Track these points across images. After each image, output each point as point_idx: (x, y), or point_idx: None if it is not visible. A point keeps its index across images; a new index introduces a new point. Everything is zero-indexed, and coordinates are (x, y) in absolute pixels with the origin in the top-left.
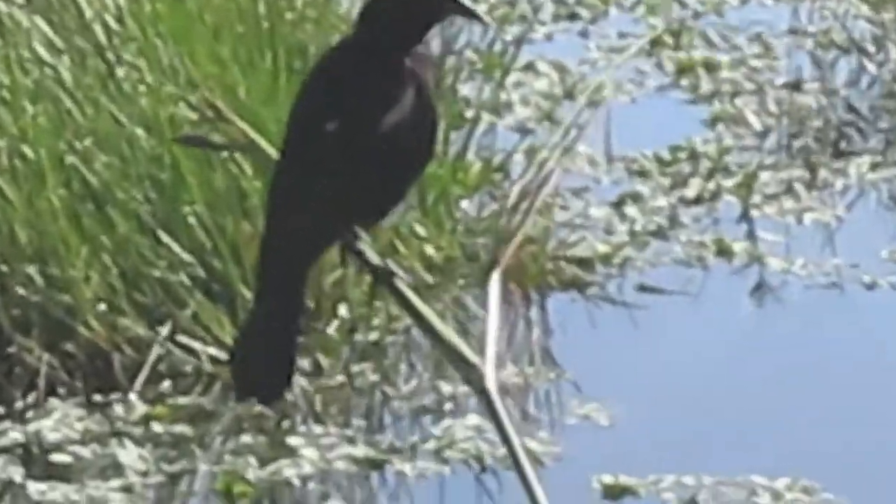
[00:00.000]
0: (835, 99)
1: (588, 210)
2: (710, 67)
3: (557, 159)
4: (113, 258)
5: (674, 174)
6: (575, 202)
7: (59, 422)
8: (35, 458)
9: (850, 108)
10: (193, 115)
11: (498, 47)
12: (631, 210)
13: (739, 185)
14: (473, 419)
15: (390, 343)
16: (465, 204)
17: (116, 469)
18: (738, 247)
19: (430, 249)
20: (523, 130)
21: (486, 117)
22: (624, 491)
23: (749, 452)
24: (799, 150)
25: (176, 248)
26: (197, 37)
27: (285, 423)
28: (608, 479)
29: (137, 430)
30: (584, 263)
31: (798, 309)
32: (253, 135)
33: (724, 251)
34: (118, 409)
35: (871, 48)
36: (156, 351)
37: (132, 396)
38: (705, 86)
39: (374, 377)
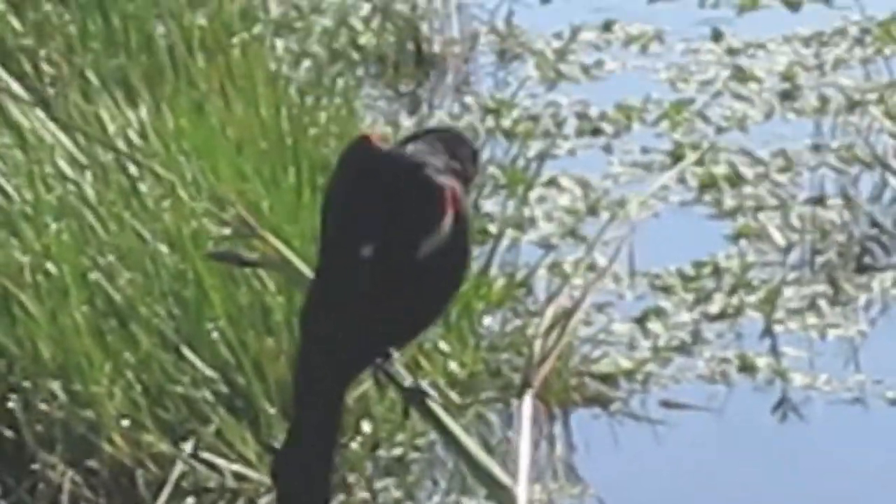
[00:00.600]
0: (858, 214)
1: (611, 325)
2: (734, 182)
3: (592, 282)
4: (136, 374)
5: (697, 289)
6: (598, 317)
7: None
8: None
9: (874, 223)
10: (220, 231)
11: (521, 163)
12: (654, 325)
13: (762, 301)
14: None
15: (413, 459)
16: (487, 320)
17: None
18: (762, 362)
19: (453, 365)
20: (547, 246)
21: (510, 233)
22: None
23: None
24: (822, 265)
25: (199, 364)
26: (220, 152)
27: None
28: None
29: None
30: (607, 379)
31: (821, 425)
32: (285, 251)
33: (747, 367)
34: None
35: (894, 163)
36: (179, 467)
37: None
38: (728, 201)
39: (397, 493)
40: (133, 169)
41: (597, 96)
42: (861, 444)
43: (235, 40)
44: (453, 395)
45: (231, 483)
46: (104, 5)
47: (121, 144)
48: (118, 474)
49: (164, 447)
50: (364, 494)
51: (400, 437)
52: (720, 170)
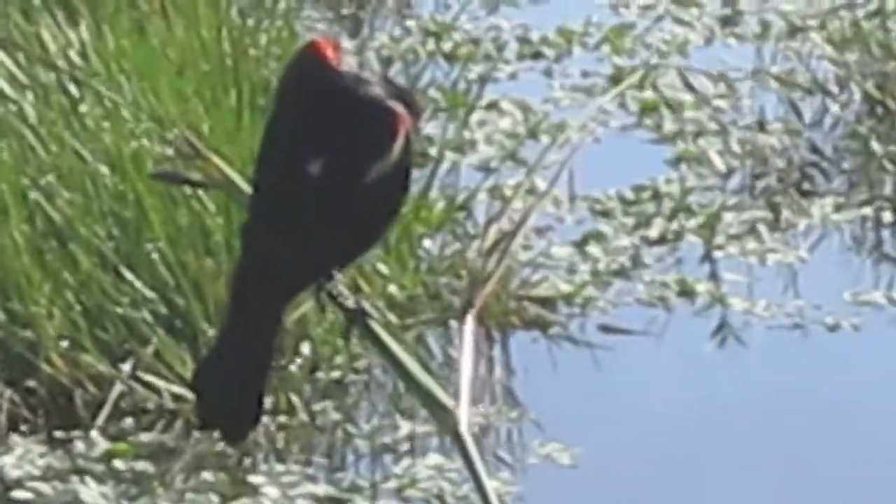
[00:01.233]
0: (798, 139)
1: (551, 249)
2: (674, 107)
3: (532, 205)
4: (75, 295)
5: (637, 214)
6: (538, 241)
7: (21, 458)
8: None
9: (814, 149)
10: (162, 152)
11: (462, 86)
12: (594, 250)
13: (702, 226)
14: (435, 458)
15: (352, 381)
16: (427, 243)
17: None
18: (701, 287)
19: (392, 288)
20: (487, 169)
21: (450, 156)
22: None
23: (709, 492)
24: (762, 190)
25: (138, 284)
26: (161, 73)
27: (247, 461)
28: None
29: (99, 468)
30: (546, 303)
31: (760, 350)
32: (229, 172)
33: (686, 291)
34: (80, 446)
35: (835, 89)
36: (118, 388)
37: (94, 433)
38: (669, 125)
39: (335, 416)
40: (74, 89)
41: (538, 20)
42: (799, 370)
43: None
44: (392, 318)
45: (170, 404)
46: None
47: (61, 64)
48: (57, 394)
49: (103, 367)
50: (303, 416)
51: (339, 359)
52: (660, 94)
